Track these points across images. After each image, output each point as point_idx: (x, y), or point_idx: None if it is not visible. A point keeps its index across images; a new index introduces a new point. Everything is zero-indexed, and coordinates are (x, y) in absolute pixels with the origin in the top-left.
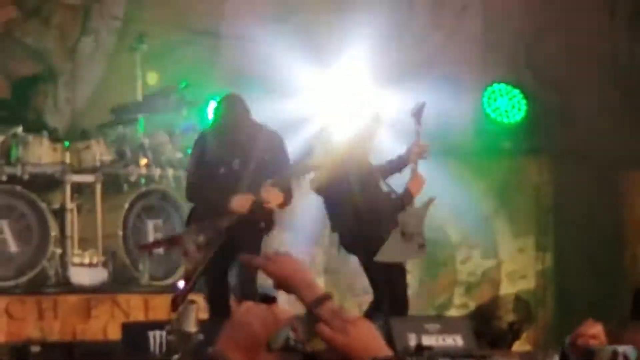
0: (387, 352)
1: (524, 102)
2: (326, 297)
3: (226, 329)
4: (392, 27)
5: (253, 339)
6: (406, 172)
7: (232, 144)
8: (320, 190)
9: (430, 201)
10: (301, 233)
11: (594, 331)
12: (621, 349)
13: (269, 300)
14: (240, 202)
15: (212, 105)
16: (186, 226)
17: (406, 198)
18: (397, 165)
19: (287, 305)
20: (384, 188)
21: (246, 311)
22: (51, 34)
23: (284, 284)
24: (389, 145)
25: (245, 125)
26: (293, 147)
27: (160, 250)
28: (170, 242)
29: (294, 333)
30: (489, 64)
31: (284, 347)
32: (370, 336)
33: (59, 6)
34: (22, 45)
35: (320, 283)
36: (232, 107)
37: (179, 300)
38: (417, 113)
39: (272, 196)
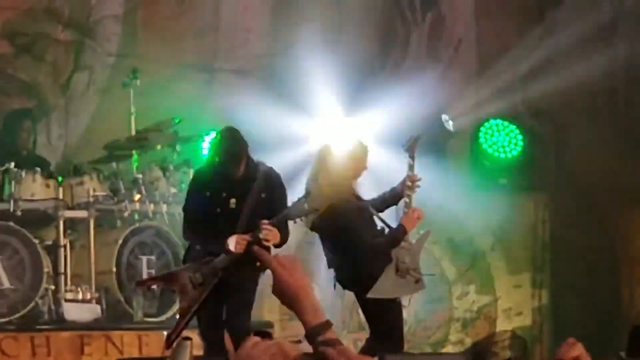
0: None
1: (520, 137)
2: (328, 326)
3: None
4: (386, 61)
5: None
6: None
7: (229, 182)
8: (315, 227)
9: (425, 235)
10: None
11: (576, 353)
12: None
13: (264, 336)
14: (237, 243)
15: (208, 140)
16: (183, 264)
17: (399, 234)
18: (390, 199)
19: None
20: (379, 224)
21: (254, 345)
22: (44, 70)
23: (288, 298)
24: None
25: (243, 162)
26: (286, 168)
27: (156, 287)
28: (167, 279)
29: None
30: (484, 98)
31: None
32: None
33: (52, 41)
34: (15, 80)
35: None
36: (230, 142)
37: (173, 337)
38: (411, 147)
39: (271, 235)
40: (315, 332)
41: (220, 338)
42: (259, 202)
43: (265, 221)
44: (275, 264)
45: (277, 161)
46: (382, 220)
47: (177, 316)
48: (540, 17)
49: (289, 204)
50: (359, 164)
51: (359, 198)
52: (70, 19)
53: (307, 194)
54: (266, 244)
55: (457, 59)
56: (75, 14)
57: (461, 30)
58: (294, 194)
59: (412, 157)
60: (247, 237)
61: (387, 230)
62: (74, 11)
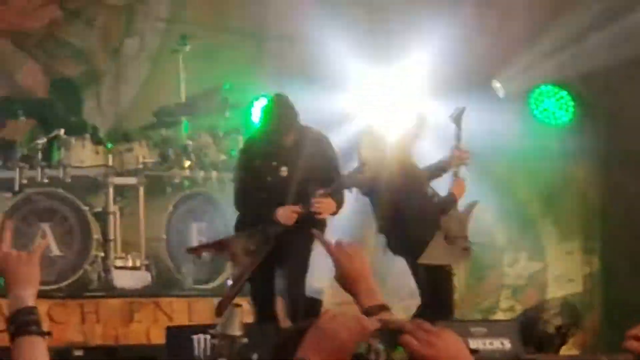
0: None
1: (571, 103)
2: (383, 308)
3: (310, 336)
4: (437, 29)
5: (340, 347)
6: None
7: (279, 150)
8: (367, 192)
9: (473, 205)
10: (347, 235)
11: None
12: None
13: (315, 302)
14: (286, 215)
15: (257, 107)
16: (235, 231)
17: (449, 202)
18: (438, 170)
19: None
20: (429, 191)
21: (332, 318)
22: (95, 35)
23: (347, 282)
24: (431, 150)
25: (293, 130)
26: (338, 143)
27: (207, 254)
28: (219, 246)
29: (374, 343)
30: (535, 65)
31: (363, 358)
32: (456, 348)
33: (103, 7)
34: (66, 45)
35: None
36: (280, 109)
37: (224, 305)
38: (457, 117)
39: (324, 207)
40: (369, 314)
41: (272, 305)
42: (309, 170)
43: (320, 192)
44: (335, 250)
45: (323, 128)
46: (432, 189)
47: (229, 283)
48: None
49: (341, 170)
50: (413, 133)
51: (412, 165)
52: None
53: (362, 164)
54: (319, 216)
55: (507, 25)
56: None
57: None
58: (344, 161)
59: (459, 127)
60: (297, 208)
61: (436, 198)
62: None
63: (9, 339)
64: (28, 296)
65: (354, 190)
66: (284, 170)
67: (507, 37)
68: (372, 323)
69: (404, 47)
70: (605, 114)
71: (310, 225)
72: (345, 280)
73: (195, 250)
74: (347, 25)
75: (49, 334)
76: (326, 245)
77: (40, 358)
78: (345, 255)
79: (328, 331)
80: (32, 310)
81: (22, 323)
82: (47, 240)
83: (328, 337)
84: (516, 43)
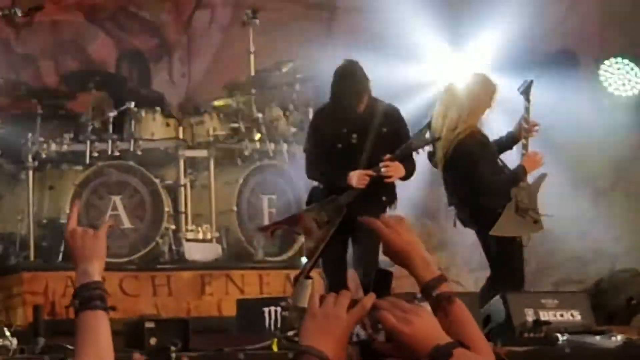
0: (447, 339)
1: None
2: (443, 279)
3: (312, 323)
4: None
5: (343, 330)
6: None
7: (350, 117)
8: (438, 164)
9: (542, 177)
10: (418, 207)
11: None
12: None
13: (387, 275)
14: (359, 178)
15: (328, 78)
16: (307, 205)
17: (520, 173)
18: (507, 142)
19: None
20: (499, 163)
21: (332, 302)
22: (166, 8)
23: (399, 257)
24: (500, 123)
25: (364, 96)
26: (410, 113)
27: (280, 231)
28: (291, 221)
29: (362, 326)
30: (607, 37)
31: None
32: (431, 325)
33: None
34: (137, 18)
35: (436, 258)
36: (351, 75)
37: (301, 279)
38: (526, 90)
39: (393, 170)
40: (430, 287)
41: (343, 277)
42: (380, 136)
43: (388, 156)
44: (381, 225)
45: (395, 99)
46: (501, 161)
47: (303, 259)
48: None
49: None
50: (485, 101)
51: (483, 135)
52: None
53: (428, 123)
54: (388, 180)
55: None
56: None
57: None
58: (413, 117)
59: (527, 100)
60: (369, 172)
61: (507, 170)
62: None
63: (74, 312)
64: (94, 271)
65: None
66: (354, 138)
67: (581, 8)
68: (368, 302)
69: (478, 20)
70: None
71: (380, 195)
72: (398, 254)
73: (266, 229)
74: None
75: (113, 308)
76: (372, 223)
77: (103, 333)
78: (393, 230)
79: (331, 315)
80: (97, 285)
81: (87, 298)
82: (115, 220)
83: (331, 321)
84: (590, 14)
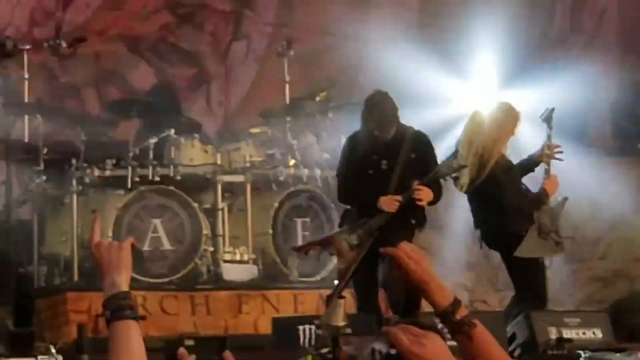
0: None
1: None
2: (459, 304)
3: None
4: (534, 29)
5: None
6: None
7: (379, 144)
8: (465, 188)
9: (564, 201)
10: (448, 230)
11: None
12: None
13: (417, 295)
14: (389, 203)
15: (359, 107)
16: (340, 227)
17: (542, 197)
18: (529, 166)
19: None
20: (522, 187)
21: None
22: (204, 39)
23: (418, 284)
24: (527, 143)
25: (393, 124)
26: (437, 149)
27: (313, 252)
28: (324, 243)
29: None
30: (626, 65)
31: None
32: (442, 348)
33: (212, 12)
34: (177, 49)
35: (463, 278)
36: (381, 106)
37: (333, 298)
38: (547, 118)
39: (423, 195)
40: (450, 312)
41: (374, 296)
42: (409, 162)
43: (417, 181)
44: (403, 256)
45: (425, 119)
46: (524, 184)
47: (335, 280)
48: None
49: (437, 163)
50: (508, 129)
51: (507, 161)
52: None
53: (456, 151)
54: (419, 203)
55: (600, 28)
56: None
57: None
58: (440, 153)
59: (549, 127)
60: (398, 197)
61: (530, 194)
62: None
63: (105, 323)
64: (122, 282)
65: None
66: (384, 164)
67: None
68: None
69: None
70: None
71: (410, 218)
72: (417, 282)
73: (301, 249)
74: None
75: (143, 317)
76: (394, 253)
77: (135, 341)
78: (414, 260)
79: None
80: (126, 295)
81: (117, 307)
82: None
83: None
84: (609, 44)
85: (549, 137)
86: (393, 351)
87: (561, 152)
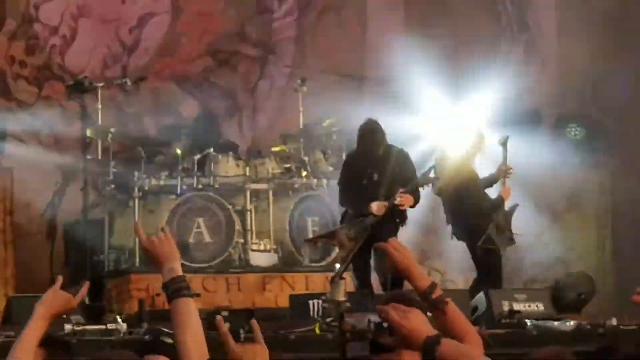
0: (435, 332)
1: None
2: (435, 286)
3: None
4: (494, 61)
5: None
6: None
7: (371, 160)
8: (440, 193)
9: (515, 206)
10: (423, 225)
11: None
12: None
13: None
14: (378, 208)
15: (356, 131)
16: (340, 224)
17: (499, 202)
18: (490, 181)
19: None
20: (484, 194)
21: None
22: (237, 78)
23: (402, 271)
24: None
25: (382, 145)
26: (414, 155)
27: (321, 242)
28: (328, 236)
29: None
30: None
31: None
32: (423, 321)
33: (244, 57)
34: (215, 86)
35: (439, 264)
36: (372, 131)
37: (335, 279)
38: (503, 142)
39: (405, 200)
40: (427, 293)
41: (368, 278)
42: (394, 174)
43: (401, 189)
44: (391, 249)
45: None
46: (485, 193)
47: (337, 264)
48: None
49: (416, 174)
50: (475, 149)
51: (473, 174)
52: (257, 40)
53: (433, 166)
54: (401, 208)
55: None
56: (261, 36)
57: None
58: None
59: (505, 149)
60: (386, 203)
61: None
62: (260, 34)
63: (167, 301)
64: (178, 268)
65: (428, 188)
66: (375, 175)
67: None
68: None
69: (472, 86)
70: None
71: (395, 218)
72: (402, 269)
73: (312, 240)
74: (429, 67)
75: (197, 295)
76: (384, 247)
77: (192, 315)
78: (399, 252)
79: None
80: (182, 278)
81: (176, 288)
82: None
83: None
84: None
85: (504, 158)
86: (385, 324)
87: (511, 174)
